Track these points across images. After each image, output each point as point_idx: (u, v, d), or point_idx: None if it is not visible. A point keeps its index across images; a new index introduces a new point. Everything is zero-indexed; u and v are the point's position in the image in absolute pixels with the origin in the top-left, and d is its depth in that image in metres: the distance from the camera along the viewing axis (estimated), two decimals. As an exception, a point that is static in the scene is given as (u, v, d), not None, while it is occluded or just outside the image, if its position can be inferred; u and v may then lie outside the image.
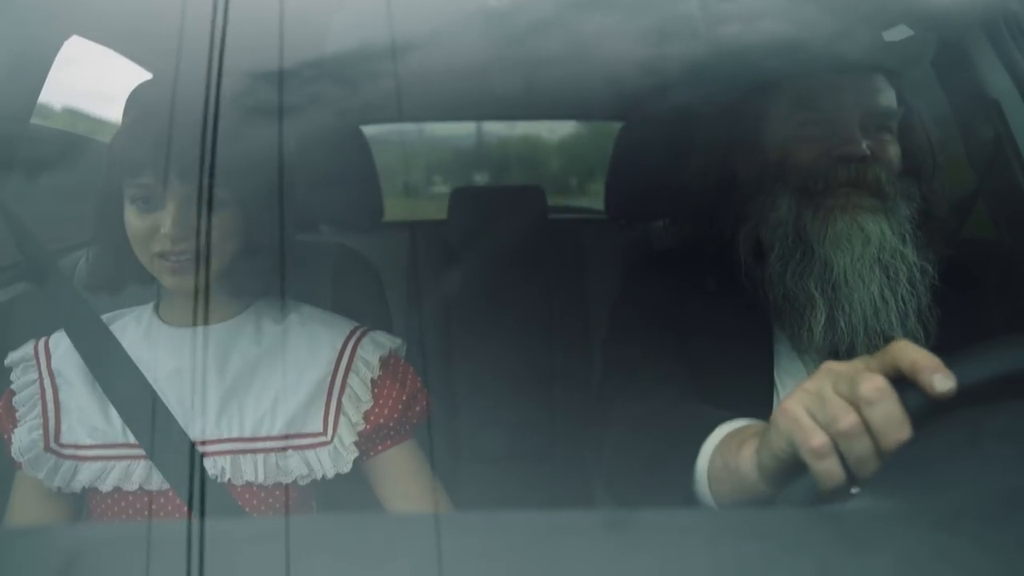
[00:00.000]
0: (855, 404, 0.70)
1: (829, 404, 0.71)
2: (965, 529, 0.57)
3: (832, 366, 0.75)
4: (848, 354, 1.15)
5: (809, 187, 1.18)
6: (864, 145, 1.16)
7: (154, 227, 1.09)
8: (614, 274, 1.43)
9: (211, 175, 1.09)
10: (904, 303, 1.15)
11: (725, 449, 0.87)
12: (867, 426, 0.69)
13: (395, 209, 2.68)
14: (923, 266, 1.17)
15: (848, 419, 0.69)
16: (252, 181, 1.12)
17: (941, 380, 0.67)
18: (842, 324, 1.15)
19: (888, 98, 1.22)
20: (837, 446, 0.70)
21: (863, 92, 1.21)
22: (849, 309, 1.15)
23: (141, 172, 1.09)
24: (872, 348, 1.14)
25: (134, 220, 1.11)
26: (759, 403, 1.18)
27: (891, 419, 0.68)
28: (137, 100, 1.17)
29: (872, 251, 1.15)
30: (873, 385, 0.69)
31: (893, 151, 1.21)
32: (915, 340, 1.14)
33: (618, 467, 1.11)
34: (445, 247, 2.16)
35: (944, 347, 0.72)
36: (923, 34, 1.41)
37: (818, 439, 0.70)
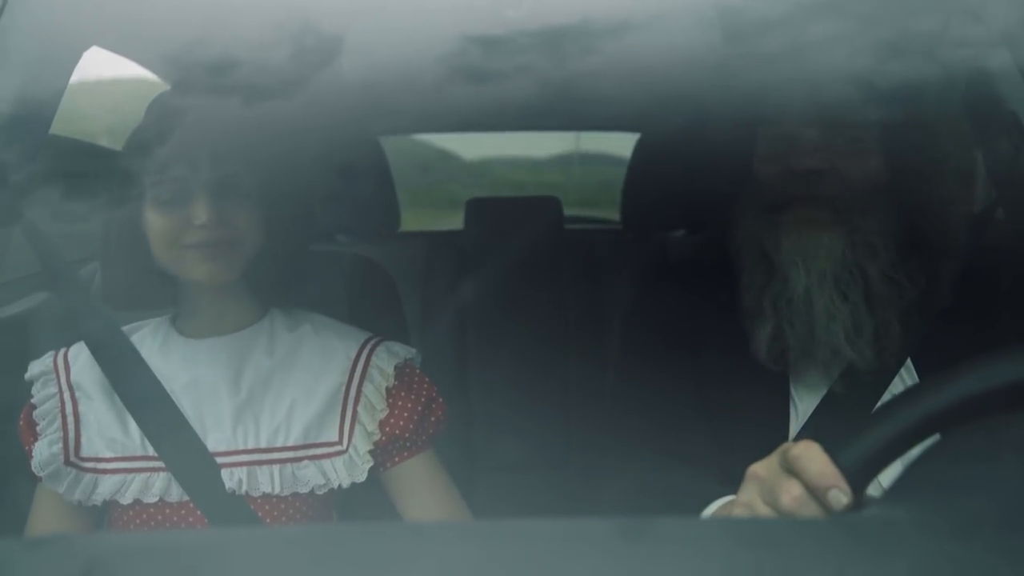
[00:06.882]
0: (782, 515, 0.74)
1: None
2: (983, 538, 0.57)
3: (755, 471, 0.79)
4: (802, 367, 1.18)
5: (769, 204, 1.18)
6: (820, 157, 1.14)
7: (184, 222, 1.09)
8: (630, 284, 1.43)
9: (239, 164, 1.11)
10: (856, 318, 1.14)
11: None
12: None
13: (410, 219, 2.69)
14: (895, 279, 1.15)
15: None
16: (274, 182, 1.13)
17: (835, 496, 0.70)
18: (789, 337, 1.16)
19: (863, 108, 1.17)
20: None
21: (831, 103, 1.16)
22: (798, 323, 1.15)
23: (169, 166, 1.10)
24: (824, 363, 1.16)
25: (158, 220, 1.11)
26: (775, 416, 1.18)
27: None
28: (157, 105, 1.18)
29: (821, 265, 1.14)
30: (790, 496, 0.73)
31: (868, 162, 1.17)
32: (863, 358, 1.15)
33: None
34: (461, 257, 2.16)
35: (951, 359, 0.72)
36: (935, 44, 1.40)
37: None
